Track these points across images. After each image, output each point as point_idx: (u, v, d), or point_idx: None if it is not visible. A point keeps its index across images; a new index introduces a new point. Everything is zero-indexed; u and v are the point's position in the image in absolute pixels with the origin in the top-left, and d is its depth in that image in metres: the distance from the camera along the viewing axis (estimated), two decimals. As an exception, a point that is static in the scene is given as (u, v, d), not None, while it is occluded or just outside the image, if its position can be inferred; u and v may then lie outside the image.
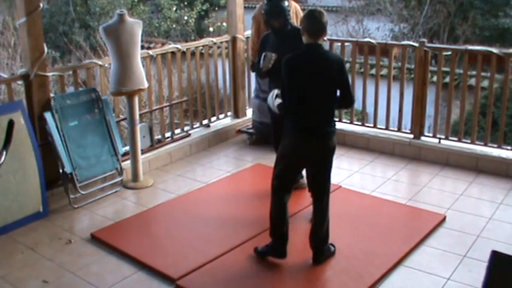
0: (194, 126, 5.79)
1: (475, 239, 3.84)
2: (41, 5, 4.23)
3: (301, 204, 4.28)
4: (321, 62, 3.34)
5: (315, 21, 3.32)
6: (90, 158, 4.51)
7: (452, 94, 5.21)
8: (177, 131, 5.62)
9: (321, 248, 3.55)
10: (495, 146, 5.02)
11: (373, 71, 6.39)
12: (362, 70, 5.99)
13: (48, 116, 4.29)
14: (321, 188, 3.52)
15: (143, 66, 4.81)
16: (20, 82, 4.80)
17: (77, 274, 3.50)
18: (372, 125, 5.70)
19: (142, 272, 3.52)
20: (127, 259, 3.65)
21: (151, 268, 3.52)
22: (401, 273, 3.46)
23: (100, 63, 4.95)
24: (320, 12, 3.38)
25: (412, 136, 5.42)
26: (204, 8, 14.28)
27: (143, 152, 5.02)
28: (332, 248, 3.62)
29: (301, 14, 5.55)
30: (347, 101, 3.48)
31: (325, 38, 5.58)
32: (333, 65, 3.35)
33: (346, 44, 5.87)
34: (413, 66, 6.92)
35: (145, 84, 4.70)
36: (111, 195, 4.64)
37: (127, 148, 4.89)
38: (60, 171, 4.36)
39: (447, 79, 5.84)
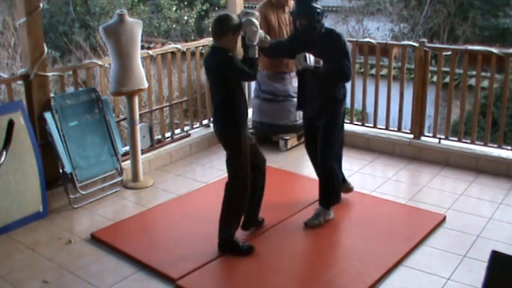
0: (194, 126, 5.79)
1: (475, 239, 3.84)
2: (41, 5, 4.23)
3: (297, 207, 4.28)
4: (213, 64, 3.49)
5: (214, 25, 3.47)
6: (90, 158, 4.51)
7: (452, 94, 5.21)
8: (177, 131, 5.62)
9: (220, 235, 3.66)
10: (495, 146, 5.02)
11: (373, 71, 6.38)
12: (362, 70, 5.99)
13: (48, 116, 4.29)
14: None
15: (143, 66, 4.81)
16: (20, 82, 4.81)
17: (76, 274, 3.50)
18: (372, 125, 5.70)
19: (142, 272, 3.52)
20: (127, 259, 3.65)
21: (151, 268, 3.52)
22: (401, 273, 3.45)
23: (100, 63, 4.95)
24: (223, 16, 3.48)
25: (412, 136, 5.42)
26: (204, 8, 14.27)
27: (143, 152, 5.02)
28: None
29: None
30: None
31: None
32: (222, 67, 3.44)
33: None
34: (413, 66, 6.92)
35: (145, 84, 4.70)
36: (111, 195, 4.63)
37: (127, 148, 4.89)
38: (60, 171, 4.36)
39: (447, 79, 5.83)
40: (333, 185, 4.06)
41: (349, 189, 4.44)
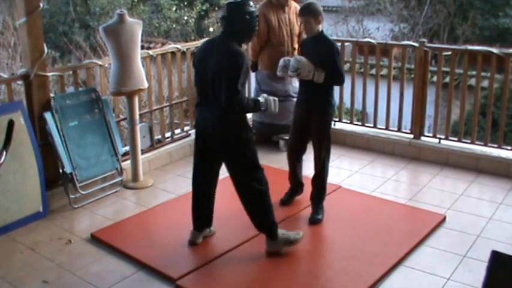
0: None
1: (475, 239, 3.84)
2: (41, 5, 4.23)
3: (297, 206, 4.28)
4: None
5: None
6: (90, 158, 4.51)
7: (452, 94, 5.21)
8: (177, 131, 5.62)
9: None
10: (495, 146, 5.02)
11: (373, 71, 6.38)
12: (362, 70, 5.99)
13: (48, 116, 4.29)
14: None
15: (143, 66, 4.81)
16: (20, 82, 4.81)
17: (76, 274, 3.50)
18: (372, 125, 5.70)
19: (142, 272, 3.52)
20: (127, 259, 3.65)
21: (151, 268, 3.52)
22: (401, 273, 3.46)
23: (100, 63, 4.95)
24: None
25: (412, 136, 5.42)
26: (204, 8, 14.26)
27: (143, 152, 5.02)
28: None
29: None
30: None
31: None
32: None
33: (346, 44, 5.86)
34: (413, 66, 6.91)
35: (145, 84, 4.70)
36: (111, 195, 4.64)
37: (127, 148, 4.89)
38: (60, 171, 4.36)
39: (447, 79, 5.84)
40: None
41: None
